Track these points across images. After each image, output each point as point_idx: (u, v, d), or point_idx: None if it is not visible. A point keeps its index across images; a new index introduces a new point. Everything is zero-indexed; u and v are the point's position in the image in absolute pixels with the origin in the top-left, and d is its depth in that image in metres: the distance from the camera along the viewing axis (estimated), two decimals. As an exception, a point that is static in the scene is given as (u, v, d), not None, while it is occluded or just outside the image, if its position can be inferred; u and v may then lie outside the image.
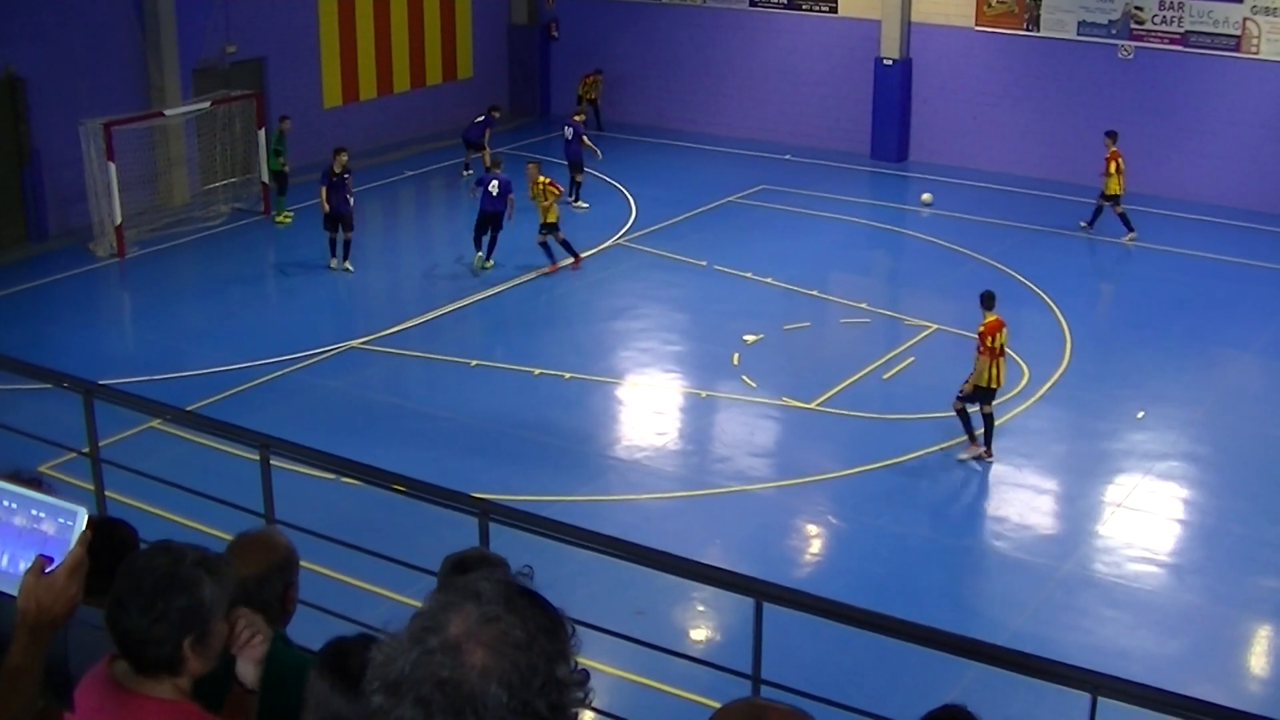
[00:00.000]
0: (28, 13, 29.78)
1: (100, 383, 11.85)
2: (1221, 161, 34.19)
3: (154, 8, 31.89)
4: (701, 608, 16.90)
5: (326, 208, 28.46)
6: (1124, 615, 17.08)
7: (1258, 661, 16.98)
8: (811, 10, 39.23)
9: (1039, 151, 35.65)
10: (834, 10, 38.87)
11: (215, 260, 30.19)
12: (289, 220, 32.12)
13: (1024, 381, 23.48)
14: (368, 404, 22.72)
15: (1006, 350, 20.92)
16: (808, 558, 18.96)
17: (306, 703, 4.69)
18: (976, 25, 36.85)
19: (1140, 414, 22.57)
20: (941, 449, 21.11)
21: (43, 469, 14.83)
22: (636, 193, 34.55)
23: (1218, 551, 18.65)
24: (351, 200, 28.57)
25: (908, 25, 37.65)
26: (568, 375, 23.61)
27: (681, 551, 9.65)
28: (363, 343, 24.91)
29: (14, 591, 4.25)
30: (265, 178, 32.53)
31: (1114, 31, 35.17)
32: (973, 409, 20.77)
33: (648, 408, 23.06)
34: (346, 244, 28.48)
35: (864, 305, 26.76)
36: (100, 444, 10.02)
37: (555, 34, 43.63)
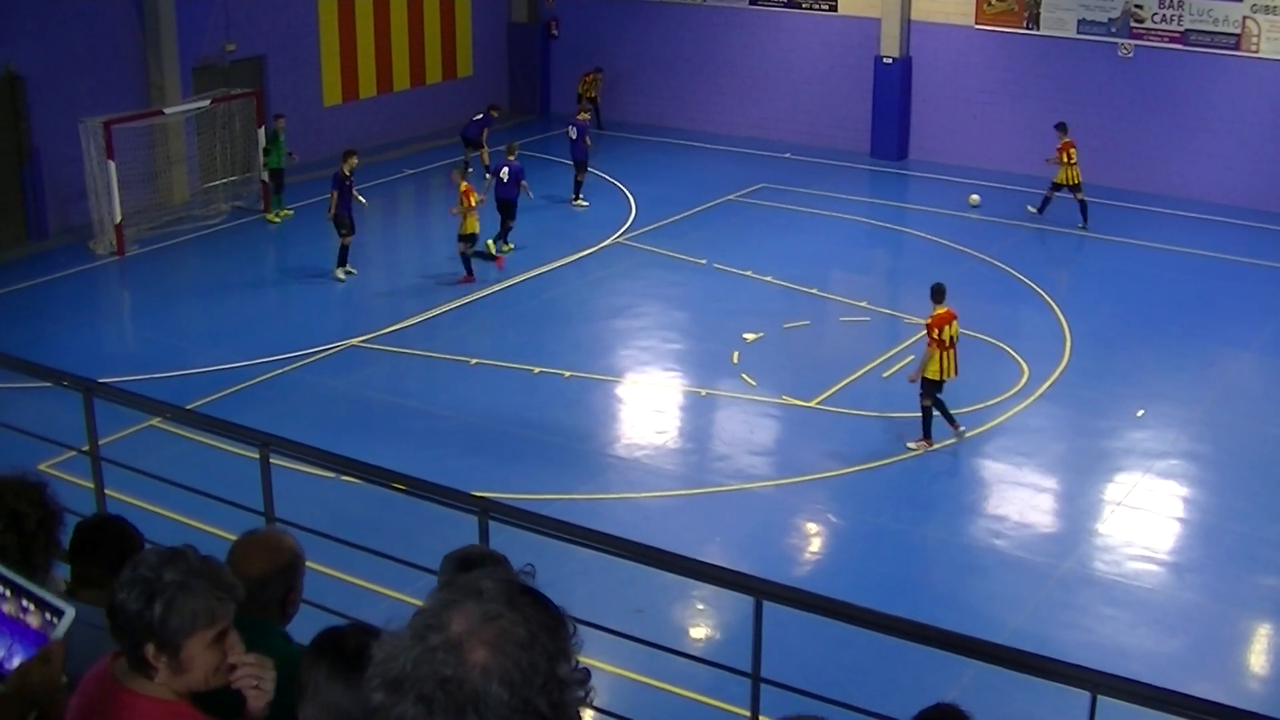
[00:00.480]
0: (28, 11, 29.78)
1: (100, 381, 11.84)
2: (1221, 160, 34.19)
3: (154, 6, 31.87)
4: (701, 606, 16.91)
5: (333, 213, 28.10)
6: (1124, 614, 17.09)
7: (1258, 660, 16.99)
8: (811, 9, 39.22)
9: (1039, 150, 35.63)
10: (834, 9, 38.86)
11: (215, 258, 30.20)
12: (286, 217, 32.07)
13: (1024, 380, 23.49)
14: (368, 402, 22.72)
15: (957, 343, 21.12)
16: (807, 556, 18.97)
17: (303, 691, 4.69)
18: (976, 23, 36.85)
19: (1140, 412, 22.57)
20: (942, 446, 21.12)
21: (43, 467, 14.86)
22: (636, 191, 34.54)
23: (1217, 550, 18.65)
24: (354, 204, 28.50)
25: (907, 23, 37.65)
26: (568, 373, 23.62)
27: (681, 550, 9.65)
28: (363, 341, 24.92)
29: None
30: (265, 176, 32.52)
31: (1114, 30, 35.16)
32: (928, 401, 21.08)
33: (648, 406, 23.06)
34: (344, 249, 28.28)
35: (864, 304, 26.76)
36: (100, 442, 10.02)
37: (555, 32, 43.62)
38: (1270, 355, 25.41)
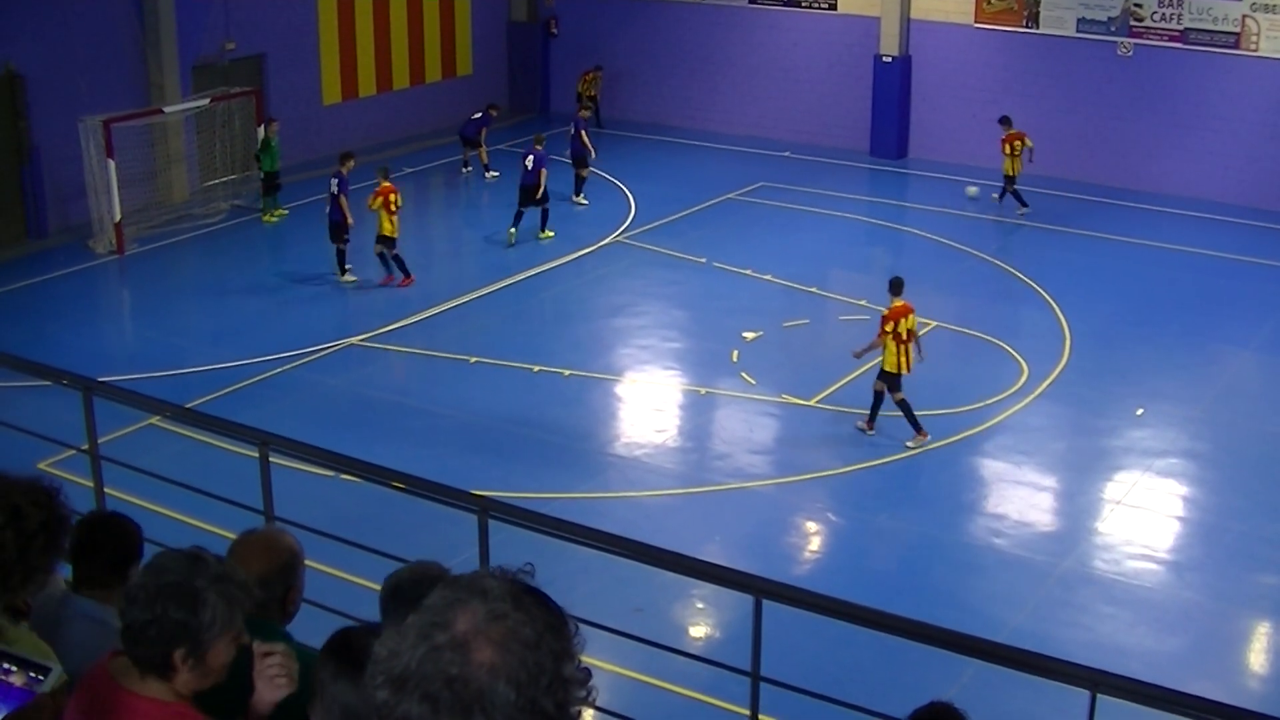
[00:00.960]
0: (28, 10, 29.79)
1: (100, 380, 11.84)
2: (1221, 158, 34.20)
3: (154, 5, 31.89)
4: (701, 605, 16.92)
5: (351, 219, 27.92)
6: (1123, 612, 17.10)
7: (1257, 658, 17.00)
8: (811, 7, 39.24)
9: (1038, 148, 35.68)
10: (833, 7, 38.87)
11: (215, 257, 30.20)
12: (281, 216, 32.04)
13: (1023, 378, 23.50)
14: (367, 401, 22.73)
15: (915, 337, 21.39)
16: (807, 555, 18.98)
17: (316, 693, 4.68)
18: (976, 22, 36.87)
19: (1139, 411, 22.58)
20: (942, 445, 21.13)
21: (43, 466, 14.89)
22: (636, 190, 34.55)
23: (1217, 548, 18.66)
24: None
25: (907, 22, 37.66)
26: (567, 372, 23.62)
27: (681, 548, 9.65)
28: (362, 340, 24.93)
29: None
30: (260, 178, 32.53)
31: (1113, 29, 35.18)
32: (881, 388, 21.27)
33: (647, 405, 23.07)
34: (341, 254, 28.21)
35: (863, 302, 26.72)
36: (100, 441, 10.02)
37: (555, 31, 43.63)
38: (1270, 354, 25.42)
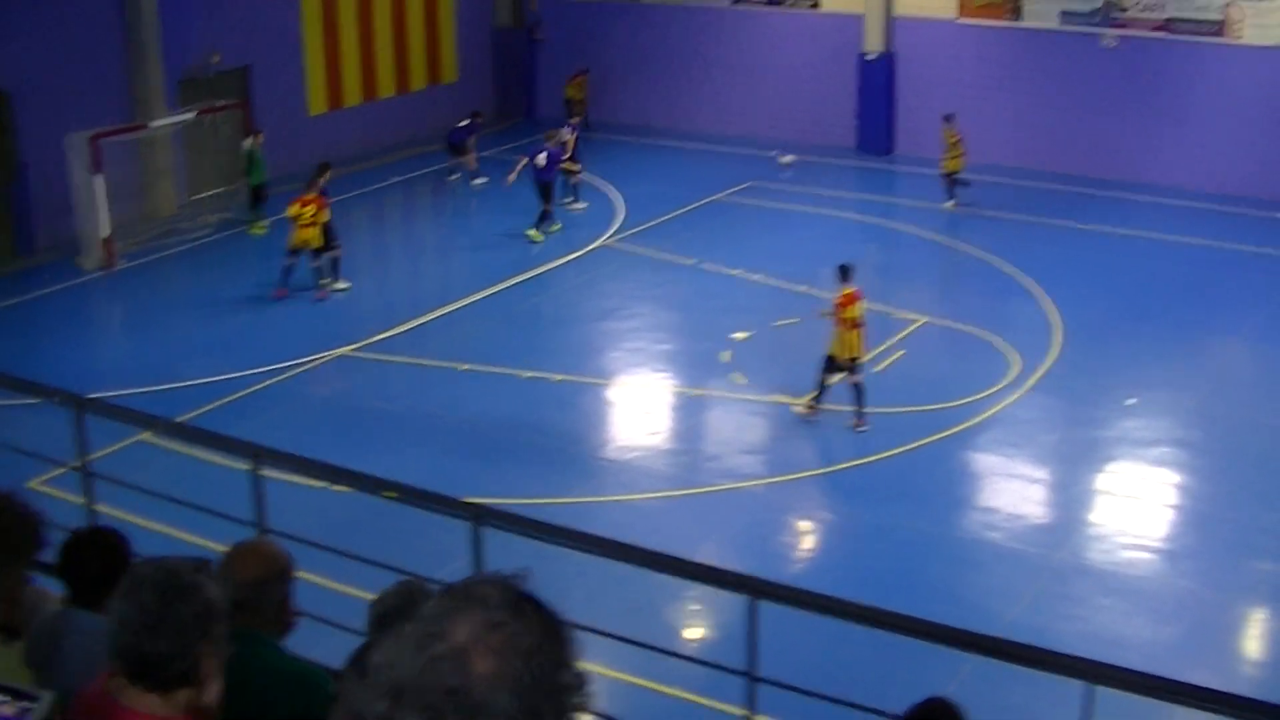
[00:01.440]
0: (12, 26, 29.74)
1: (91, 396, 11.83)
2: (1207, 147, 34.23)
3: (139, 20, 31.86)
4: (696, 606, 16.91)
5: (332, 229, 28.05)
6: (1119, 603, 17.11)
7: (1253, 646, 17.03)
8: (794, 7, 39.27)
9: (1024, 142, 35.70)
10: (816, 6, 38.90)
11: (204, 270, 30.14)
12: (263, 231, 31.90)
13: (1015, 372, 23.51)
14: (358, 411, 22.71)
15: (861, 325, 21.66)
16: (801, 553, 19.00)
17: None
18: (959, 17, 36.90)
19: (1131, 401, 22.60)
20: (933, 440, 21.14)
21: (34, 484, 14.88)
22: (624, 192, 34.54)
23: (1211, 537, 18.68)
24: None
25: (890, 19, 37.69)
26: (558, 377, 23.61)
27: (675, 550, 9.65)
28: (352, 350, 24.90)
29: None
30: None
31: (1097, 20, 35.20)
32: (836, 378, 21.57)
33: (639, 407, 23.08)
34: (335, 262, 28.29)
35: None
36: (91, 457, 10.02)
37: (539, 36, 43.58)
38: (1260, 342, 25.45)
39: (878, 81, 37.95)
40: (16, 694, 4.53)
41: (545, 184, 31.12)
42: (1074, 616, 16.74)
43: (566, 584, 15.48)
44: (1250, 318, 26.23)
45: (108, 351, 26.43)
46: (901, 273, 29.80)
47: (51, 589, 6.37)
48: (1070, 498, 20.00)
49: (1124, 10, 34.80)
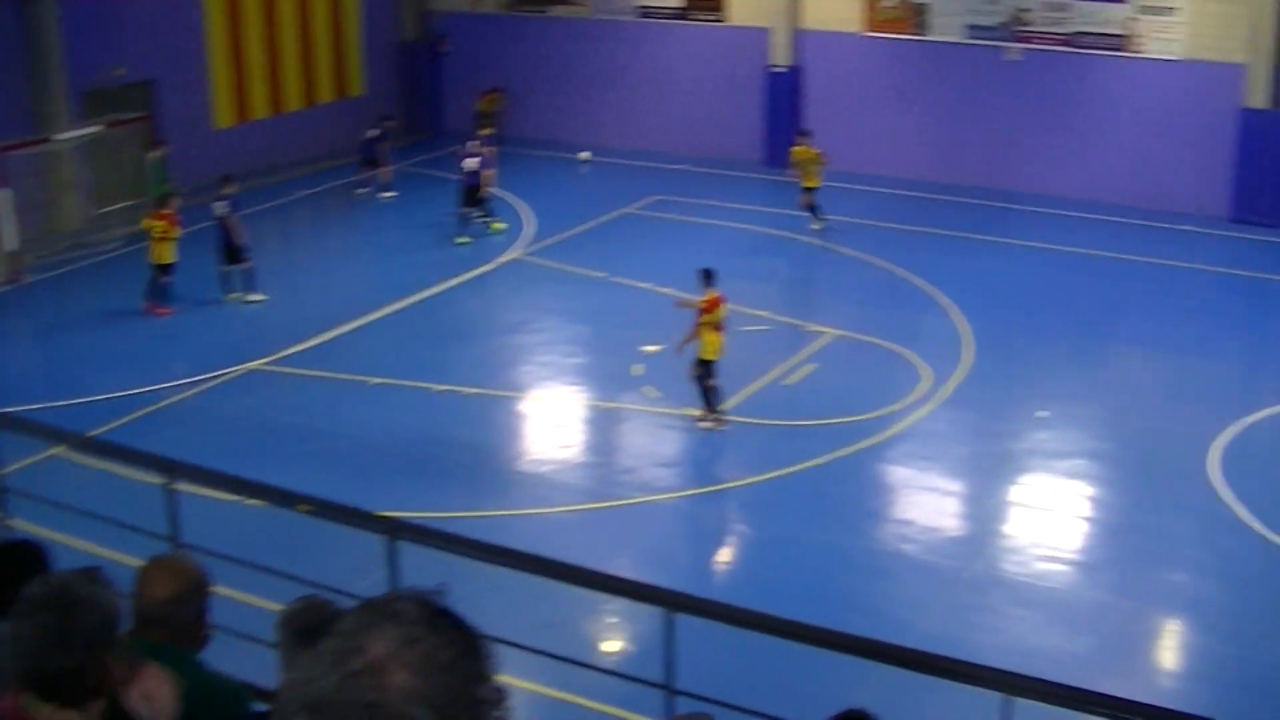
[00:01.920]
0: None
1: (0, 411, 11.69)
2: (1110, 160, 34.63)
3: (40, 33, 31.56)
4: (613, 619, 16.87)
5: (242, 239, 28.02)
6: (1034, 614, 17.21)
7: (1167, 656, 17.18)
8: (700, 20, 39.38)
9: (930, 155, 35.97)
10: (722, 20, 39.03)
11: (112, 284, 29.81)
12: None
13: (926, 384, 23.64)
14: (270, 425, 22.53)
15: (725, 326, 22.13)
16: (717, 566, 19.00)
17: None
18: (866, 31, 37.11)
19: (1041, 413, 22.77)
20: (847, 453, 21.21)
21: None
22: (532, 206, 34.52)
23: (1124, 547, 18.84)
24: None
25: (797, 32, 37.86)
26: (469, 390, 23.53)
27: (590, 563, 9.64)
28: (263, 364, 24.73)
29: None
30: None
31: (1001, 34, 35.51)
32: (715, 381, 21.87)
33: (552, 421, 23.04)
34: (247, 274, 28.16)
35: (764, 313, 26.78)
36: (2, 471, 9.90)
37: (444, 49, 43.47)
38: (1166, 351, 25.72)
39: (784, 94, 38.10)
40: None
41: (470, 189, 31.87)
42: (989, 628, 16.83)
43: (482, 598, 15.37)
44: (1156, 327, 26.51)
45: (15, 366, 26.08)
46: (811, 286, 29.97)
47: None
48: (984, 510, 20.12)
49: (1028, 24, 35.12)
